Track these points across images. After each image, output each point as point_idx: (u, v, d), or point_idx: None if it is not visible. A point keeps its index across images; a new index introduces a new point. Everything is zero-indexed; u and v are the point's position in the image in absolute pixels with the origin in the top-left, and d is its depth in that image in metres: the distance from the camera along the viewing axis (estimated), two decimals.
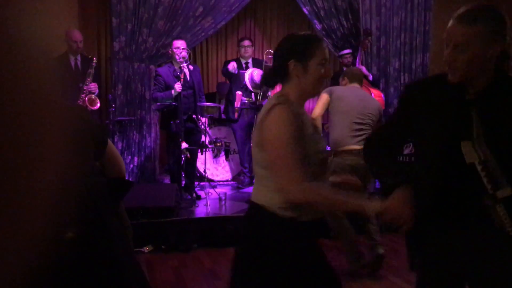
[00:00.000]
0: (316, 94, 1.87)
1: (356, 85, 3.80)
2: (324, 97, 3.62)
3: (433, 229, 1.78)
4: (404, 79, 6.55)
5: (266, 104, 1.75)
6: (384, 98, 6.02)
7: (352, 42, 6.33)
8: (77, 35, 4.81)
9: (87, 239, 1.68)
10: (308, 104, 7.43)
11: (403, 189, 1.66)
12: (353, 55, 6.01)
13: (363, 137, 3.42)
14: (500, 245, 1.70)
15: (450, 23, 1.62)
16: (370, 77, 5.97)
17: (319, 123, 3.66)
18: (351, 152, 3.39)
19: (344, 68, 6.06)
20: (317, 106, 3.61)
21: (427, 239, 1.80)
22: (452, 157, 1.67)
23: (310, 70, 1.75)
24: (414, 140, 1.86)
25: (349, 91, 3.71)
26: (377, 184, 5.61)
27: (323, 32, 6.29)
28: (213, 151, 5.86)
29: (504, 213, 1.65)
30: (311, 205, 1.72)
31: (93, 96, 4.67)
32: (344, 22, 6.31)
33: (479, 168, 1.66)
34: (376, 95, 5.88)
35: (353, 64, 5.95)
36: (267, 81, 1.90)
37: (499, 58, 1.62)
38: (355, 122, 3.49)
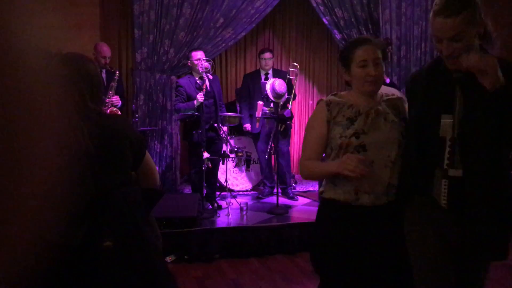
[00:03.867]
0: (367, 92, 2.01)
1: None
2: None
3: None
4: None
5: None
6: None
7: None
8: (107, 51, 4.89)
9: (124, 248, 1.69)
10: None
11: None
12: None
13: None
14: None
15: (435, 19, 1.71)
16: (387, 80, 5.94)
17: None
18: None
19: None
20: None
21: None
22: (432, 131, 1.79)
23: (352, 73, 2.00)
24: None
25: None
26: None
27: (343, 42, 6.28)
28: (234, 161, 5.87)
29: (445, 189, 1.76)
30: (309, 177, 2.19)
31: (114, 109, 4.72)
32: (364, 32, 6.30)
33: (448, 143, 1.76)
34: None
35: None
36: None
37: (480, 36, 1.73)
38: None
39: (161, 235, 4.20)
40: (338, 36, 6.26)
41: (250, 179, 6.10)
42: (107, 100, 4.70)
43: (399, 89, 6.27)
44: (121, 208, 1.71)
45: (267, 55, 5.61)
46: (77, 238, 1.63)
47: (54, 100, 1.54)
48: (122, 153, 1.77)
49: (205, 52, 5.16)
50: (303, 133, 7.25)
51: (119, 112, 4.75)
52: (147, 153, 1.95)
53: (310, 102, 7.38)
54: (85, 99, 1.69)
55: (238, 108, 6.02)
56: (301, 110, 7.41)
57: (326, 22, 6.19)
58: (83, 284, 1.64)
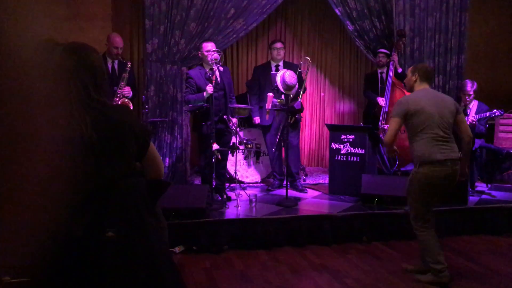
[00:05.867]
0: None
1: (426, 86, 3.59)
2: (397, 122, 3.48)
3: None
4: (438, 81, 6.41)
5: None
6: None
7: (385, 43, 6.23)
8: (119, 42, 4.89)
9: (127, 238, 1.68)
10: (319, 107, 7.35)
11: None
12: (388, 56, 5.92)
13: (447, 146, 3.40)
14: None
15: None
16: (399, 70, 5.87)
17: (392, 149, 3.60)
18: (438, 162, 3.34)
19: (379, 70, 5.99)
20: (392, 134, 3.48)
21: None
22: None
23: None
24: None
25: (423, 99, 3.47)
26: None
27: (355, 33, 6.22)
28: (243, 152, 5.86)
29: None
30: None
31: (126, 100, 4.73)
32: (377, 23, 6.22)
33: None
34: None
35: (387, 71, 5.86)
36: None
37: None
38: (439, 134, 3.40)
39: (170, 226, 4.24)
40: (350, 27, 6.19)
41: (259, 171, 6.09)
42: (118, 91, 4.71)
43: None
44: (124, 199, 1.70)
45: (278, 45, 5.57)
46: (80, 228, 1.63)
47: (56, 91, 1.53)
48: (125, 144, 1.76)
49: (215, 43, 5.13)
50: (314, 126, 7.23)
51: (130, 103, 4.76)
52: (152, 144, 1.94)
53: (322, 94, 7.33)
54: (88, 89, 1.68)
55: (249, 101, 6.00)
56: (312, 102, 7.36)
57: (339, 13, 6.12)
58: (85, 274, 1.65)
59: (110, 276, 1.64)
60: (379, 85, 5.87)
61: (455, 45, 6.42)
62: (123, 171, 1.76)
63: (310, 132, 7.40)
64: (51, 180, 1.61)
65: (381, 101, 5.79)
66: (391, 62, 5.85)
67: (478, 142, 5.50)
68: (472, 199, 5.23)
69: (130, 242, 1.69)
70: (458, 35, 6.42)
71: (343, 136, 5.41)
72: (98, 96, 1.73)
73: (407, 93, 5.71)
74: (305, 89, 5.65)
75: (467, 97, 5.52)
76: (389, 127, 3.53)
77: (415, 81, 3.61)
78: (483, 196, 5.42)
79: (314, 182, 6.20)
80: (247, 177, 6.01)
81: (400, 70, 5.90)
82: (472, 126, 5.40)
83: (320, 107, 7.40)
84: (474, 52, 7.02)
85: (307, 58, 5.47)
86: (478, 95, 5.65)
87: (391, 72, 5.82)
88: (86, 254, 1.65)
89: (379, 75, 5.98)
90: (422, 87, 3.59)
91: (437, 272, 3.41)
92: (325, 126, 6.69)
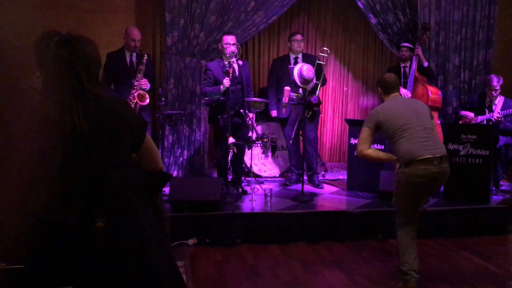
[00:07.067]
0: None
1: (395, 94, 3.53)
2: (366, 131, 3.40)
3: None
4: (464, 77, 6.22)
5: None
6: (441, 96, 5.74)
7: (409, 37, 6.08)
8: (136, 34, 4.92)
9: (117, 229, 1.69)
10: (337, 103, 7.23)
11: None
12: (412, 50, 5.76)
13: (430, 142, 3.26)
14: None
15: None
16: (425, 64, 5.71)
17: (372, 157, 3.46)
18: (423, 161, 3.22)
19: (402, 64, 5.85)
20: (363, 142, 3.38)
21: None
22: None
23: None
24: None
25: (393, 106, 3.43)
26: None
27: (379, 27, 6.09)
28: (261, 147, 5.84)
29: None
30: None
31: (142, 92, 4.76)
32: (401, 17, 6.07)
33: None
34: (433, 92, 5.63)
35: (410, 62, 5.72)
36: None
37: None
38: (419, 131, 3.28)
39: (184, 218, 4.27)
40: (373, 20, 6.06)
41: (278, 165, 6.06)
42: (135, 83, 4.75)
43: (435, 76, 6.03)
44: (115, 189, 1.71)
45: (298, 37, 5.51)
46: (70, 217, 1.65)
47: (49, 81, 1.54)
48: (119, 135, 1.77)
49: (235, 36, 5.10)
50: (337, 121, 7.09)
51: (147, 96, 4.79)
52: (148, 136, 1.94)
53: (345, 88, 7.22)
54: (81, 79, 1.69)
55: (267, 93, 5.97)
56: (335, 97, 7.26)
57: (361, 6, 6.00)
58: (75, 263, 1.67)
59: (99, 266, 1.66)
60: (402, 80, 5.72)
61: (482, 39, 6.21)
62: (116, 162, 1.77)
63: (332, 127, 7.31)
64: (42, 170, 1.63)
65: (404, 94, 5.65)
66: (414, 57, 5.70)
67: (503, 140, 5.31)
68: (496, 198, 5.06)
69: (120, 232, 1.70)
70: (486, 29, 6.20)
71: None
72: (92, 87, 1.74)
73: (429, 88, 5.59)
74: (325, 81, 5.56)
75: (493, 92, 5.34)
76: (360, 135, 3.43)
77: (381, 94, 3.59)
78: (508, 196, 5.24)
79: (334, 178, 6.13)
80: (265, 171, 5.99)
81: (426, 64, 5.73)
82: (497, 122, 5.22)
83: (342, 102, 7.30)
84: (503, 46, 6.77)
85: (326, 48, 5.39)
86: (504, 91, 5.45)
87: (414, 66, 5.67)
88: (76, 244, 1.67)
89: (402, 69, 5.84)
90: (391, 97, 3.52)
91: (403, 274, 3.25)
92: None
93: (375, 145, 5.24)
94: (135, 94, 4.70)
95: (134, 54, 4.98)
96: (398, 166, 3.30)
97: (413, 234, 3.32)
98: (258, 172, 5.88)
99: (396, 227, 3.39)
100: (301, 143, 5.23)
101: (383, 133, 3.43)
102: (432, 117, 3.46)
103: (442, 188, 5.35)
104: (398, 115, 3.33)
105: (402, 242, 3.32)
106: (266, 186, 5.27)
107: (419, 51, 5.71)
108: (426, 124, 3.34)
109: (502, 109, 5.28)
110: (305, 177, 5.29)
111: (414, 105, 3.45)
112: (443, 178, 3.29)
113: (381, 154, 3.54)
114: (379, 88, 3.60)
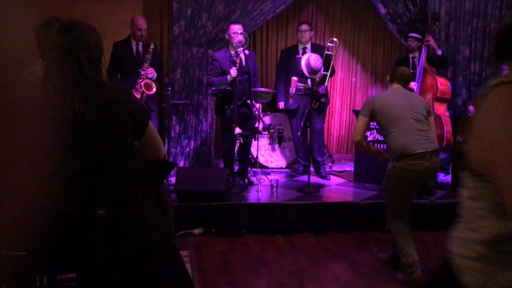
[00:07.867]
0: None
1: (399, 86, 3.52)
2: (361, 119, 3.39)
3: None
4: (474, 68, 6.13)
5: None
6: (451, 87, 5.66)
7: (419, 27, 5.99)
8: (142, 23, 4.90)
9: (117, 217, 1.69)
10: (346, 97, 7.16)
11: None
12: (420, 41, 5.68)
13: (423, 136, 3.24)
14: None
15: None
16: (439, 52, 5.61)
17: (364, 148, 3.45)
18: (415, 155, 3.18)
19: (410, 55, 5.77)
20: (357, 132, 3.37)
21: None
22: None
23: None
24: None
25: (390, 96, 3.43)
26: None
27: (388, 17, 6.01)
28: (268, 137, 5.82)
29: None
30: None
31: (149, 81, 4.74)
32: (411, 7, 5.98)
33: None
34: (442, 83, 5.55)
35: (419, 53, 5.64)
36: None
37: None
38: (413, 124, 3.26)
39: (190, 208, 4.27)
40: (383, 10, 5.98)
41: (285, 156, 6.03)
42: (142, 72, 4.73)
43: (448, 64, 5.95)
44: (117, 178, 1.70)
45: (304, 26, 5.46)
46: (71, 205, 1.65)
47: (51, 68, 1.52)
48: (120, 123, 1.76)
49: (242, 25, 5.06)
50: (345, 112, 7.02)
51: (154, 85, 4.78)
52: (151, 125, 1.93)
53: (353, 79, 7.15)
54: (82, 67, 1.68)
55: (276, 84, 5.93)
56: (343, 88, 7.20)
57: None
58: (76, 250, 1.66)
59: (100, 253, 1.66)
60: (410, 70, 5.65)
61: (494, 30, 6.10)
62: (117, 149, 1.76)
63: (340, 119, 7.25)
64: (43, 157, 1.63)
65: (413, 85, 5.58)
66: (423, 47, 5.62)
67: None
68: None
69: (121, 220, 1.69)
70: (498, 19, 6.09)
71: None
72: (93, 74, 1.72)
73: (439, 79, 5.51)
74: (333, 72, 5.51)
75: None
76: (356, 124, 3.44)
77: (388, 81, 3.59)
78: None
79: (341, 169, 6.10)
80: (271, 162, 5.97)
81: (439, 52, 5.61)
82: None
83: (351, 93, 7.24)
84: None
85: (335, 39, 5.33)
86: None
87: (423, 57, 5.58)
88: (77, 231, 1.67)
89: (411, 60, 5.75)
90: (393, 87, 3.52)
91: (405, 267, 3.24)
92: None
93: (378, 135, 5.20)
94: (142, 83, 4.68)
95: (141, 44, 4.97)
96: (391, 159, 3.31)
97: (407, 226, 3.32)
98: (264, 163, 5.86)
99: (388, 221, 3.38)
100: (309, 134, 5.21)
101: (377, 123, 3.43)
102: (430, 114, 3.44)
103: (450, 179, 5.34)
104: (393, 105, 3.33)
105: (399, 235, 3.32)
106: (272, 177, 5.25)
107: (430, 39, 5.61)
108: (420, 117, 3.31)
109: None
110: (312, 169, 5.27)
111: (411, 99, 3.42)
112: (434, 172, 3.32)
113: (373, 149, 3.58)
114: (388, 76, 3.61)
